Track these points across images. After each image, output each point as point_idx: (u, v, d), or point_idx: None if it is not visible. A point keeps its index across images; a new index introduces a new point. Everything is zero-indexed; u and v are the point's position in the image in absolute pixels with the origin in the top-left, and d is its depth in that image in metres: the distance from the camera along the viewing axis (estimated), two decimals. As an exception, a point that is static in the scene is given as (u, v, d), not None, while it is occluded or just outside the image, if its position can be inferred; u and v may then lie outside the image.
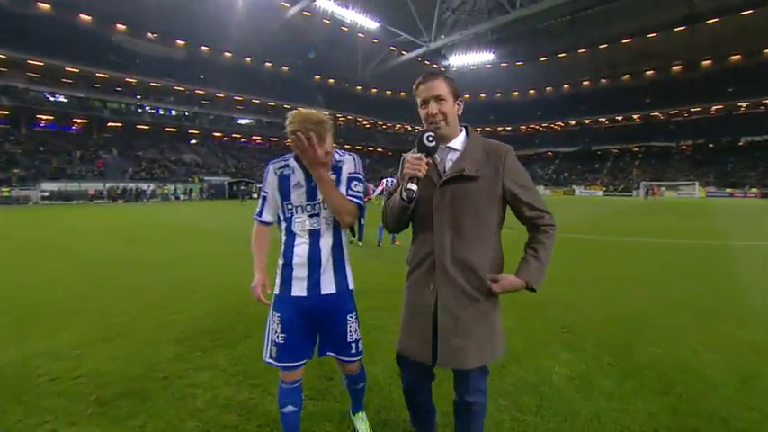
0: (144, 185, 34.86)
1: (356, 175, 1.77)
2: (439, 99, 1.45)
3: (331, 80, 60.03)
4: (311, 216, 1.73)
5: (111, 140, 40.92)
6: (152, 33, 45.66)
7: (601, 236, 10.26)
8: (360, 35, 49.91)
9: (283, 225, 1.78)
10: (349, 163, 1.78)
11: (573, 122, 62.09)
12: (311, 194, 1.72)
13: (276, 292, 1.76)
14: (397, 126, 66.99)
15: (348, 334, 1.78)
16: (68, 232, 11.85)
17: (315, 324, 1.75)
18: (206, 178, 39.84)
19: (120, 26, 43.81)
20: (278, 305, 1.74)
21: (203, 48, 50.05)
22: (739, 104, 49.11)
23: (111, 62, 41.04)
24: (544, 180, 54.89)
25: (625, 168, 52.51)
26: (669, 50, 52.35)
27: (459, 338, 1.44)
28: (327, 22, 47.23)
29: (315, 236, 1.72)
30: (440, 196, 1.46)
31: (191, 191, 37.16)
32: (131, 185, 34.16)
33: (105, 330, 3.53)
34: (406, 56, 51.19)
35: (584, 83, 62.43)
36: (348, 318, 1.78)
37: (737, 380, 2.64)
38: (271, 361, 1.73)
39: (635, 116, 56.92)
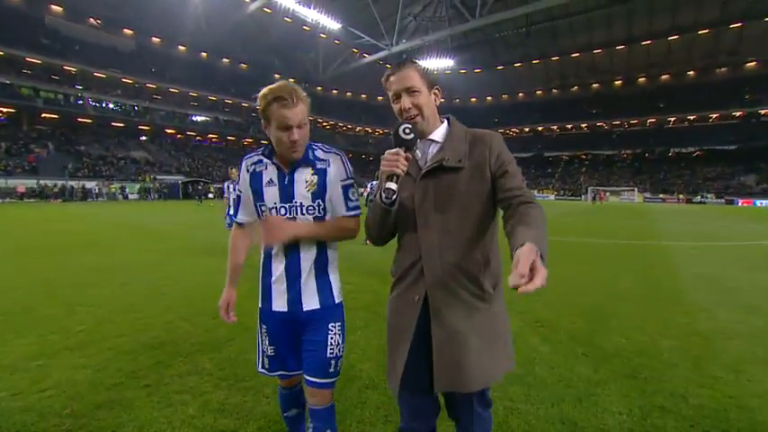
0: (89, 184, 32.24)
1: (350, 182, 1.56)
2: (411, 91, 1.29)
3: (291, 79, 55.93)
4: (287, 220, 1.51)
5: (45, 134, 37.52)
6: (94, 19, 42.51)
7: (559, 237, 10.91)
8: (321, 35, 49.44)
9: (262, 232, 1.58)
10: (336, 165, 1.54)
11: (527, 129, 65.22)
12: (286, 194, 1.50)
13: (259, 304, 1.62)
14: (358, 128, 67.11)
15: (328, 346, 1.52)
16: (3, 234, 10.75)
17: (299, 331, 1.58)
18: (159, 177, 37.62)
19: (54, 7, 40.37)
20: (262, 317, 1.61)
21: (155, 39, 47.49)
22: (669, 119, 54.27)
23: (43, 46, 37.71)
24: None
25: (574, 174, 56.04)
26: (612, 66, 56.72)
27: (458, 355, 1.23)
28: (288, 20, 46.33)
29: (292, 244, 1.51)
30: (421, 193, 1.30)
31: (147, 190, 34.90)
32: (72, 183, 31.47)
33: (66, 340, 3.27)
34: (368, 58, 51.41)
35: (538, 92, 65.90)
36: (330, 327, 1.55)
37: (690, 362, 2.99)
38: (264, 371, 1.63)
39: (583, 125, 60.93)
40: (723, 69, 52.02)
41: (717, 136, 49.21)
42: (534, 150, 62.30)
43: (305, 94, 1.45)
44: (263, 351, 1.62)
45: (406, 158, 1.22)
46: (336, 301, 1.59)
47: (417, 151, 1.34)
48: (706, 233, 12.84)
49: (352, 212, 1.56)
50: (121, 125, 43.54)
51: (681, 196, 43.27)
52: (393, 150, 1.23)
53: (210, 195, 35.21)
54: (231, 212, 6.10)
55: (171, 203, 29.41)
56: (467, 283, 1.27)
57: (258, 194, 1.54)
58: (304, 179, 1.50)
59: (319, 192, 1.51)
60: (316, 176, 1.51)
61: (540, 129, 64.30)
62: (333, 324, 1.56)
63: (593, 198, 41.27)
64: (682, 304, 4.52)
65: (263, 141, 55.93)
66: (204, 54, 51.13)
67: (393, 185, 1.22)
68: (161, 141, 46.61)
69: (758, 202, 38.94)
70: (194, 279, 5.41)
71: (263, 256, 1.60)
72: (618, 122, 57.76)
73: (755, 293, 5.04)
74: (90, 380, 2.60)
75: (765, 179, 43.22)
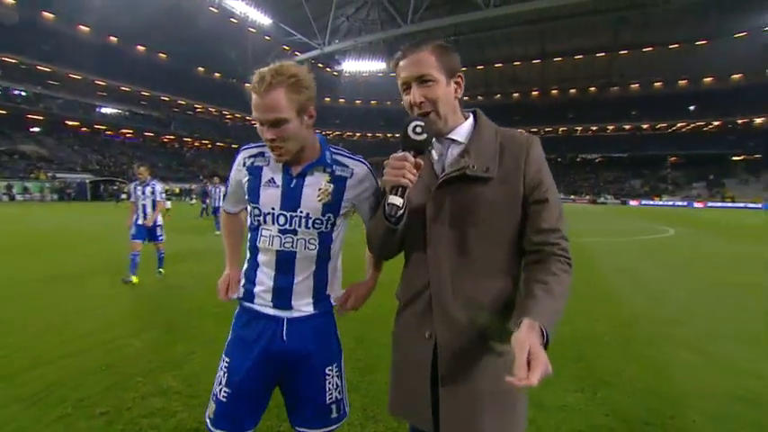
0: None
1: (379, 193, 1.28)
2: (424, 80, 1.02)
3: (217, 74, 55.55)
4: (284, 232, 1.21)
5: None
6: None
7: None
8: (251, 29, 47.38)
9: (249, 236, 1.31)
10: (364, 173, 1.27)
11: (455, 134, 69.04)
12: (290, 200, 1.21)
13: (233, 324, 1.33)
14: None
15: (327, 393, 1.27)
16: None
17: (277, 377, 1.27)
18: (59, 175, 32.90)
19: None
20: (231, 345, 1.29)
21: (46, 14, 41.19)
22: (576, 128, 61.32)
23: None
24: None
25: (497, 176, 60.72)
26: (530, 78, 62.45)
27: (468, 407, 1.01)
28: (215, 10, 43.64)
29: (285, 261, 1.22)
30: (436, 206, 1.04)
31: (43, 189, 30.22)
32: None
33: (-18, 369, 2.81)
34: (300, 56, 50.17)
35: (465, 98, 69.31)
36: (327, 372, 1.28)
37: (621, 343, 3.53)
38: (207, 422, 1.25)
39: (504, 131, 66.19)
40: (616, 88, 60.49)
41: (613, 145, 57.15)
42: (462, 154, 66.00)
43: (299, 76, 1.11)
44: (214, 392, 1.26)
45: (416, 165, 0.95)
46: (333, 332, 1.35)
47: (434, 152, 1.08)
48: (613, 230, 14.78)
49: None
50: (3, 113, 37.37)
51: (588, 197, 49.09)
52: (399, 154, 0.96)
53: (123, 196, 31.81)
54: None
55: (78, 205, 25.90)
56: (485, 321, 1.01)
57: (253, 195, 1.23)
58: (317, 186, 1.22)
59: (334, 203, 1.22)
60: (332, 185, 1.22)
61: (467, 133, 68.39)
62: (329, 368, 1.29)
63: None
64: (606, 294, 5.22)
65: (186, 139, 51.27)
66: (114, 38, 45.96)
67: (397, 200, 0.94)
68: (60, 134, 40.91)
69: (643, 203, 45.77)
70: (136, 290, 4.90)
71: (245, 266, 1.32)
72: (535, 129, 63.20)
73: (661, 284, 5.99)
74: (27, 416, 2.26)
75: (648, 183, 51.20)
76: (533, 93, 65.48)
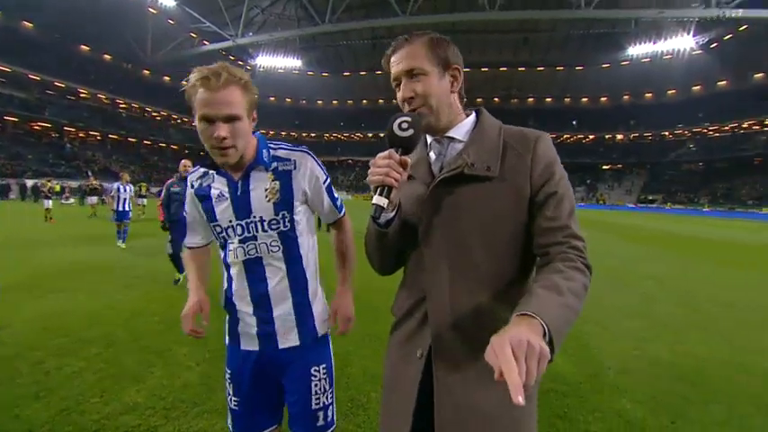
0: None
1: (329, 180, 1.32)
2: (414, 74, 0.94)
3: (106, 55, 48.41)
4: (244, 241, 1.21)
5: None
6: None
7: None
8: (151, 10, 42.56)
9: (221, 255, 1.30)
10: (307, 164, 1.25)
11: (370, 135, 70.18)
12: (241, 209, 1.20)
13: (226, 340, 1.33)
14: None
15: (313, 396, 1.26)
16: None
17: (277, 382, 1.30)
18: None
19: None
20: (228, 358, 1.32)
21: None
22: (482, 134, 67.55)
23: None
24: (346, 186, 60.03)
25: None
26: (440, 86, 66.71)
27: None
28: (104, -18, 38.26)
29: (254, 269, 1.22)
30: (432, 209, 0.95)
31: None
32: None
33: None
34: (209, 46, 46.71)
35: (380, 101, 71.59)
36: (313, 372, 1.27)
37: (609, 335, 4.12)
38: (229, 428, 1.33)
39: (419, 135, 69.43)
40: (515, 101, 67.60)
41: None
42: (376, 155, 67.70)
43: (247, 78, 1.11)
44: (228, 402, 1.32)
45: (402, 163, 0.88)
46: (320, 334, 1.31)
47: (431, 153, 1.02)
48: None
49: (344, 210, 1.39)
50: None
51: None
52: (384, 153, 0.90)
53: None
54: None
55: None
56: (486, 339, 0.77)
57: (210, 214, 1.24)
58: (263, 187, 1.20)
59: (284, 200, 1.20)
60: (278, 182, 1.20)
61: (382, 135, 69.99)
62: (316, 368, 1.28)
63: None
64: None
65: (67, 128, 43.70)
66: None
67: (381, 200, 0.87)
68: None
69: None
70: (55, 306, 4.24)
71: (225, 277, 1.31)
72: (445, 135, 68.28)
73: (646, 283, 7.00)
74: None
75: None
76: (444, 100, 70.17)
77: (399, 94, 0.98)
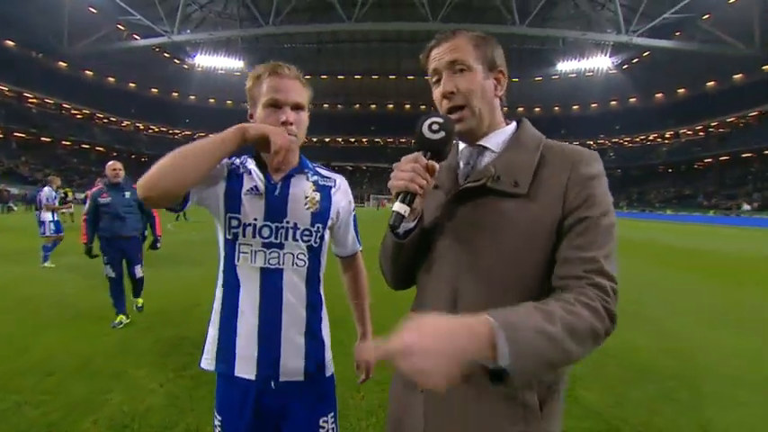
0: None
1: (355, 214, 1.31)
2: (457, 68, 0.84)
3: (10, 42, 42.46)
4: (269, 246, 1.08)
5: None
6: None
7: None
8: (68, -4, 38.57)
9: (222, 255, 1.13)
10: (345, 188, 1.24)
11: (315, 139, 69.28)
12: (275, 210, 1.09)
13: (210, 366, 1.13)
14: (125, 122, 55.58)
15: None
16: None
17: (276, 426, 1.13)
18: None
19: None
20: (218, 399, 1.14)
21: None
22: (426, 140, 69.48)
23: None
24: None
25: (358, 183, 63.38)
26: (385, 92, 67.66)
27: None
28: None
29: (272, 281, 1.09)
30: (448, 223, 0.84)
31: None
32: None
33: None
34: (140, 41, 43.46)
35: (324, 105, 71.07)
36: (321, 424, 1.15)
37: None
38: None
39: (364, 140, 69.68)
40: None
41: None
42: (322, 160, 66.70)
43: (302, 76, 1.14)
44: None
45: (429, 168, 0.78)
46: (327, 374, 1.18)
47: (461, 161, 0.90)
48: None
49: (360, 246, 1.34)
50: None
51: None
52: (411, 156, 0.81)
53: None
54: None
55: None
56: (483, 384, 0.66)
57: (232, 203, 1.08)
58: (303, 194, 1.13)
59: (322, 214, 1.14)
60: (318, 194, 1.15)
61: (327, 140, 69.64)
62: (324, 418, 1.15)
63: (378, 205, 48.10)
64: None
65: None
66: None
67: (402, 208, 0.78)
68: None
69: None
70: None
71: (220, 293, 1.14)
72: (391, 140, 69.01)
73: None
74: None
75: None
76: (388, 106, 70.98)
77: (438, 90, 0.87)
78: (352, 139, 69.41)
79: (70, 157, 44.58)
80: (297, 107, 1.08)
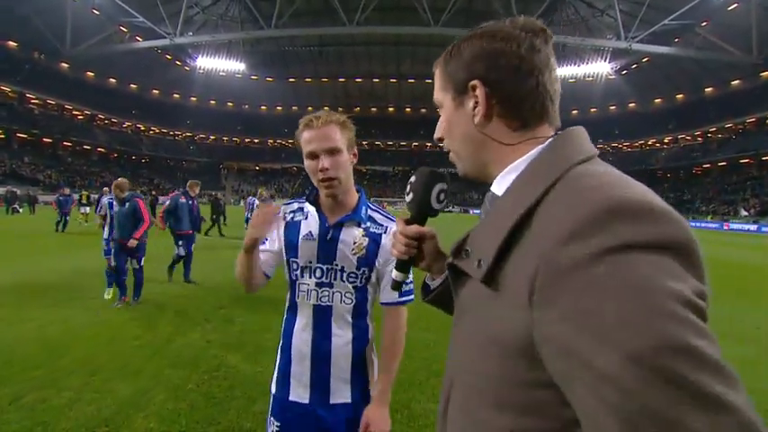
0: None
1: None
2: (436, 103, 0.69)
3: (11, 42, 42.55)
4: (320, 285, 1.26)
5: None
6: None
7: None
8: (71, -2, 38.76)
9: (288, 293, 1.34)
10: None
11: (317, 142, 69.86)
12: (325, 253, 1.26)
13: (273, 389, 1.33)
14: (126, 123, 55.78)
15: None
16: None
17: None
18: None
19: None
20: (275, 409, 1.31)
21: None
22: (426, 144, 69.57)
23: None
24: (291, 194, 59.15)
25: (358, 185, 63.63)
26: (386, 95, 68.07)
27: None
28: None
29: (322, 316, 1.26)
30: (455, 296, 0.65)
31: None
32: None
33: None
34: (143, 43, 43.66)
35: (325, 108, 70.38)
36: None
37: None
38: None
39: (364, 143, 69.82)
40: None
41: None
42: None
43: (345, 118, 1.26)
44: None
45: (430, 236, 0.77)
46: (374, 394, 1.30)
47: (482, 212, 0.69)
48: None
49: (406, 298, 1.30)
50: None
51: (457, 208, 56.05)
52: (410, 229, 0.77)
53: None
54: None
55: None
56: None
57: (292, 248, 1.29)
58: (352, 239, 1.27)
59: (368, 259, 1.27)
60: (366, 239, 1.27)
61: (329, 143, 70.04)
62: None
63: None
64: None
65: None
66: None
67: (398, 275, 0.81)
68: None
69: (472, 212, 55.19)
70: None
71: (283, 324, 1.35)
72: (392, 143, 69.38)
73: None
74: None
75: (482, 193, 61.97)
76: (389, 109, 71.42)
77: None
78: (353, 142, 69.85)
79: (71, 158, 44.78)
80: (331, 152, 1.19)
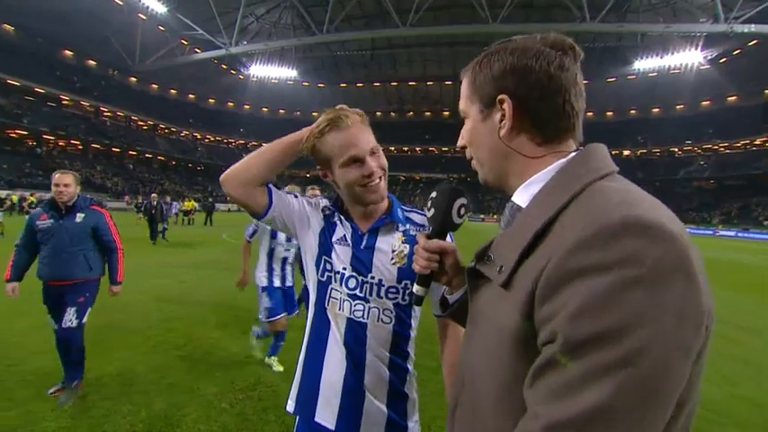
0: None
1: None
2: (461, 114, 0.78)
3: (91, 61, 48.98)
4: (354, 298, 1.10)
5: None
6: None
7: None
8: (140, 16, 43.24)
9: (313, 295, 1.18)
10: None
11: (368, 149, 71.10)
12: (360, 262, 1.10)
13: (290, 407, 1.18)
14: (184, 132, 60.65)
15: None
16: None
17: None
18: None
19: None
20: (298, 429, 1.18)
21: None
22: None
23: None
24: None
25: (411, 194, 63.66)
26: (441, 98, 67.73)
27: None
28: (92, -14, 38.93)
29: (357, 334, 1.09)
30: (470, 302, 0.72)
31: None
32: None
33: None
34: (201, 55, 47.40)
35: (378, 113, 72.62)
36: None
37: None
38: None
39: (417, 149, 70.01)
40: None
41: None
42: (376, 169, 68.40)
43: (362, 112, 1.13)
44: None
45: (450, 252, 0.83)
46: (410, 425, 1.14)
47: (502, 221, 0.74)
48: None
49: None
50: None
51: (495, 216, 54.48)
52: (432, 244, 0.82)
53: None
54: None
55: None
56: None
57: (325, 247, 1.15)
58: (390, 246, 1.11)
59: (411, 270, 0.99)
60: (407, 246, 1.10)
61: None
62: None
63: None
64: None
65: (46, 137, 43.25)
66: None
67: (420, 290, 0.85)
68: None
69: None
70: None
71: (308, 332, 1.19)
72: (446, 149, 68.72)
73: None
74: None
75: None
76: (444, 113, 71.00)
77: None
78: (406, 148, 69.99)
79: (136, 166, 49.51)
80: (373, 151, 1.08)
